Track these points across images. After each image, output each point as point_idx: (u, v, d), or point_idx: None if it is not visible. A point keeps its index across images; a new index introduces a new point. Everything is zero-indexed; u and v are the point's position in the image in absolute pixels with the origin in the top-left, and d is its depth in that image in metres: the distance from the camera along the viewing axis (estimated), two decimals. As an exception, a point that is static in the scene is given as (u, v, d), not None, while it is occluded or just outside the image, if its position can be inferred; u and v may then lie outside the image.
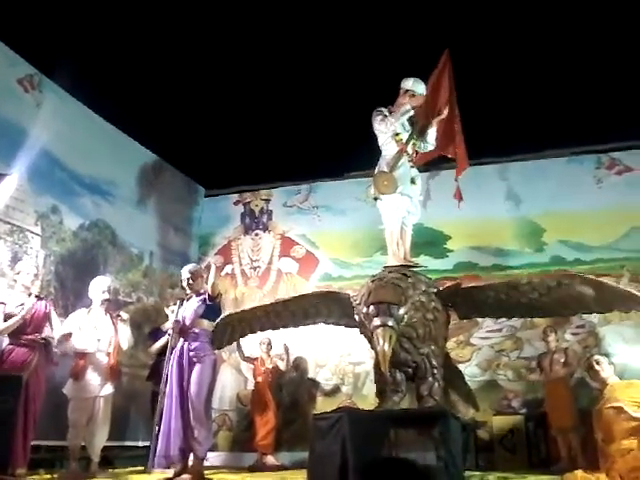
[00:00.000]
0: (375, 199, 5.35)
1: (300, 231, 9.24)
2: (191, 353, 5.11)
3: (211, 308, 5.31)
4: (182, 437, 4.89)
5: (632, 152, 8.21)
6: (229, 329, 5.36)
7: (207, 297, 5.28)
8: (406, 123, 5.45)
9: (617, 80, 7.22)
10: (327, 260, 8.92)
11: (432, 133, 5.53)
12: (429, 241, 8.26)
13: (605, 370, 4.29)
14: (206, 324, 5.30)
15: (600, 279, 4.46)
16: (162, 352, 6.29)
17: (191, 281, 5.43)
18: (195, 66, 7.93)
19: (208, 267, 5.50)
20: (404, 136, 5.35)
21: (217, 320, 5.20)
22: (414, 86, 5.42)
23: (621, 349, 7.19)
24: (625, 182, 8.10)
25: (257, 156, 8.77)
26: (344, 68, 7.65)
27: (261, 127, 8.51)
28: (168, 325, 5.85)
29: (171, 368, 5.11)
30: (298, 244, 9.16)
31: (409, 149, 5.35)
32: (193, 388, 5.02)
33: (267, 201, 9.62)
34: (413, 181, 5.26)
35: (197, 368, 5.07)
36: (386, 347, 4.14)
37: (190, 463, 5.02)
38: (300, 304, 5.34)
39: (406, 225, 5.39)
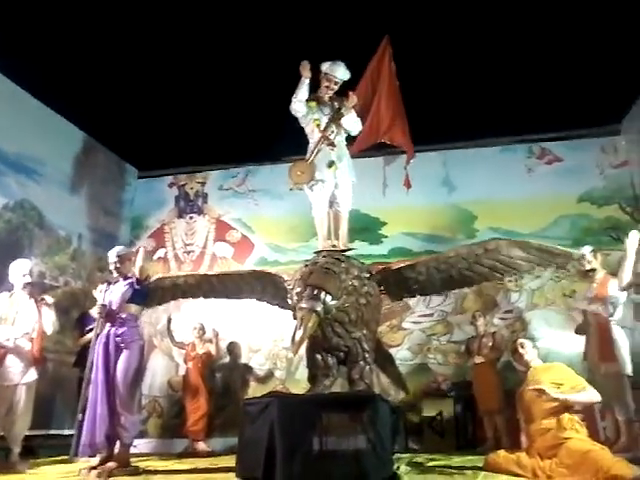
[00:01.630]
0: (291, 189, 5.34)
1: (236, 215, 9.13)
2: (118, 339, 4.94)
3: (139, 292, 5.13)
4: (108, 424, 4.74)
5: (561, 142, 8.48)
6: (159, 292, 5.46)
7: (135, 281, 5.10)
8: (327, 107, 5.41)
9: (550, 73, 7.38)
10: (263, 245, 8.87)
11: (351, 126, 5.48)
12: (365, 227, 8.33)
13: (529, 353, 4.40)
14: (134, 309, 5.15)
15: (524, 240, 4.64)
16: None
17: (118, 264, 5.21)
18: (128, 41, 7.61)
19: (137, 250, 5.31)
20: (323, 121, 5.33)
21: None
22: (331, 69, 5.37)
23: (546, 333, 7.46)
24: (554, 172, 8.37)
25: (193, 138, 8.54)
26: (285, 51, 7.52)
27: (198, 108, 8.27)
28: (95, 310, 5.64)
29: (97, 354, 4.93)
30: (233, 228, 9.06)
31: (330, 133, 5.31)
32: (120, 374, 4.87)
33: (202, 184, 9.45)
34: (330, 165, 5.22)
35: (124, 354, 4.92)
36: (302, 332, 4.13)
37: (116, 450, 4.88)
38: (234, 279, 5.37)
39: (340, 210, 5.39)
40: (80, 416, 4.75)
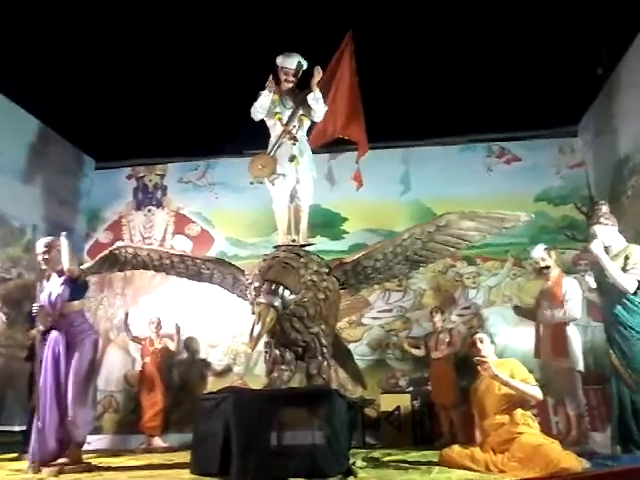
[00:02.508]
0: (251, 183, 5.30)
1: (195, 208, 9.01)
2: (68, 339, 4.75)
3: (77, 287, 4.92)
4: (58, 430, 4.59)
5: (520, 143, 8.63)
6: (121, 259, 5.41)
7: (68, 279, 4.85)
8: (288, 101, 5.39)
9: (510, 75, 7.48)
10: (223, 239, 8.78)
11: (316, 105, 5.40)
12: (326, 222, 8.34)
13: (486, 348, 4.45)
14: (77, 305, 4.93)
15: (472, 210, 4.70)
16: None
17: (47, 255, 4.92)
18: (87, 29, 7.45)
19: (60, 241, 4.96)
20: (285, 115, 5.31)
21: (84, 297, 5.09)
22: (284, 61, 5.35)
23: (502, 330, 7.57)
24: (513, 171, 8.51)
25: (153, 129, 8.39)
26: (247, 45, 7.47)
27: (158, 99, 8.14)
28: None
29: (45, 359, 4.74)
30: (193, 222, 8.95)
31: (292, 128, 5.30)
32: (73, 371, 4.70)
33: (162, 176, 9.30)
34: (292, 160, 5.21)
35: (77, 351, 4.76)
36: (259, 327, 4.12)
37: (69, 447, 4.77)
38: (196, 262, 5.34)
39: (301, 204, 5.38)
40: (30, 417, 4.60)
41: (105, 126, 8.36)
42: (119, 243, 5.69)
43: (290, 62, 5.34)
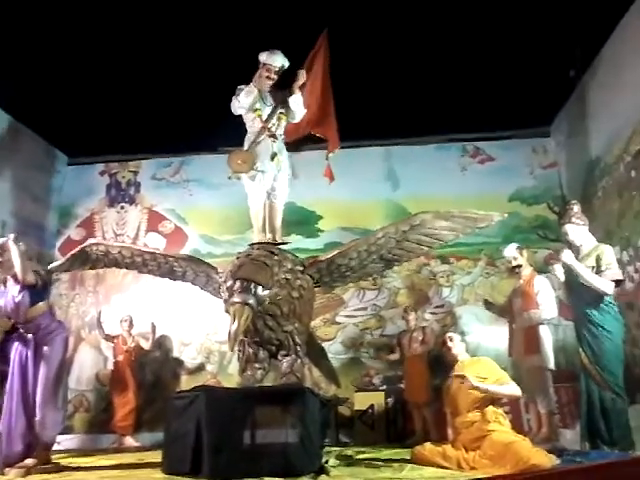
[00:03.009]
0: (229, 178, 5.28)
1: (169, 205, 8.93)
2: (37, 341, 4.66)
3: (36, 292, 4.72)
4: (25, 434, 4.51)
5: (494, 143, 8.72)
6: (93, 257, 5.35)
7: (22, 285, 4.62)
8: (268, 98, 5.38)
9: (485, 76, 7.53)
10: (196, 236, 8.71)
11: (297, 107, 5.45)
12: (301, 220, 8.32)
13: (457, 347, 4.48)
14: (40, 308, 4.76)
15: (446, 210, 4.76)
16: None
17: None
18: (59, 22, 7.31)
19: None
20: (265, 112, 5.29)
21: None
22: (269, 58, 5.33)
23: (475, 328, 7.64)
24: (487, 171, 8.59)
25: (126, 125, 8.27)
26: (222, 41, 7.41)
27: (132, 94, 8.03)
28: None
29: (13, 363, 4.64)
30: (166, 219, 8.86)
31: (271, 124, 5.29)
32: (42, 370, 4.62)
33: (135, 173, 9.19)
34: (273, 157, 5.20)
35: (46, 351, 4.66)
36: (236, 326, 4.10)
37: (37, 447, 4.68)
38: (169, 260, 5.29)
39: (276, 202, 5.37)
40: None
41: (78, 121, 8.21)
42: (91, 240, 5.63)
43: (275, 60, 5.33)
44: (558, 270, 5.01)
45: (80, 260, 5.40)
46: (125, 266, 5.46)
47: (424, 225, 4.71)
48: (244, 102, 5.24)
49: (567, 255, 4.69)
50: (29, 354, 4.65)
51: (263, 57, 5.34)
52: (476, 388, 4.08)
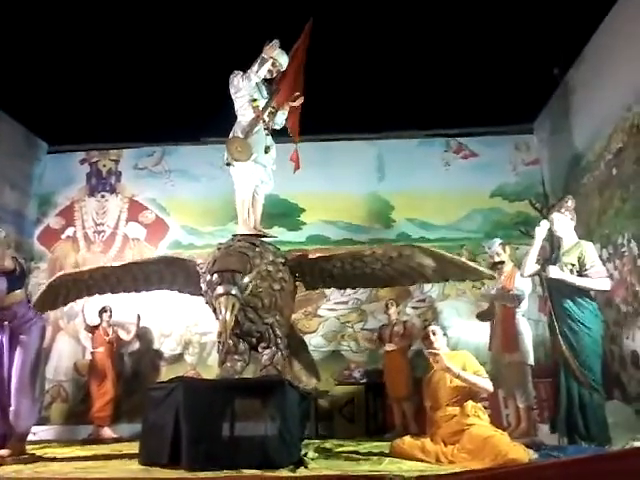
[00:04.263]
0: (228, 165, 5.23)
1: (150, 195, 8.85)
2: (12, 330, 4.60)
3: (13, 279, 4.66)
4: (1, 411, 4.47)
5: (477, 138, 8.75)
6: (63, 291, 5.13)
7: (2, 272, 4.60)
8: (264, 90, 5.37)
9: (469, 72, 7.56)
10: (178, 227, 8.64)
11: (285, 115, 5.55)
12: (283, 212, 8.29)
13: (438, 340, 4.47)
14: (18, 295, 4.70)
15: (439, 251, 4.71)
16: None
17: None
18: (41, 8, 7.19)
19: None
20: (261, 103, 5.26)
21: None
22: (279, 57, 5.31)
23: (456, 323, 7.68)
24: (470, 166, 8.63)
25: (108, 113, 8.16)
26: (208, 30, 7.34)
27: (115, 82, 7.93)
28: None
29: None
30: (147, 209, 8.78)
31: (265, 116, 5.27)
32: (18, 359, 4.55)
33: (116, 162, 9.10)
34: (267, 150, 5.19)
35: (22, 339, 4.59)
36: (228, 316, 4.08)
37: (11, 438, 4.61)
38: (142, 269, 5.16)
39: (258, 194, 5.34)
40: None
41: (59, 109, 8.09)
42: (56, 275, 5.27)
43: (284, 59, 5.34)
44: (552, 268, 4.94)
45: (52, 297, 5.14)
46: (98, 291, 5.25)
47: (412, 258, 4.63)
48: (261, 73, 5.18)
49: (554, 271, 4.69)
50: (4, 343, 4.58)
51: (274, 53, 5.25)
52: (448, 369, 4.11)
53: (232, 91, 5.29)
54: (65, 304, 5.43)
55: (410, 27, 7.32)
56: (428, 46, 7.39)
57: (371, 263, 4.74)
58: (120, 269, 5.15)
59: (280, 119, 5.53)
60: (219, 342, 4.80)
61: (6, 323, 4.62)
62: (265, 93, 5.38)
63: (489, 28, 7.16)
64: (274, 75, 5.41)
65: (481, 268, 4.87)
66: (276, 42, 5.23)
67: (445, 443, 4.04)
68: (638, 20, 5.75)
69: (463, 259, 4.87)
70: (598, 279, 4.62)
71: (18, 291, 4.72)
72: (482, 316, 6.38)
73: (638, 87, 5.81)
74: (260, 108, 5.24)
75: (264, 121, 5.25)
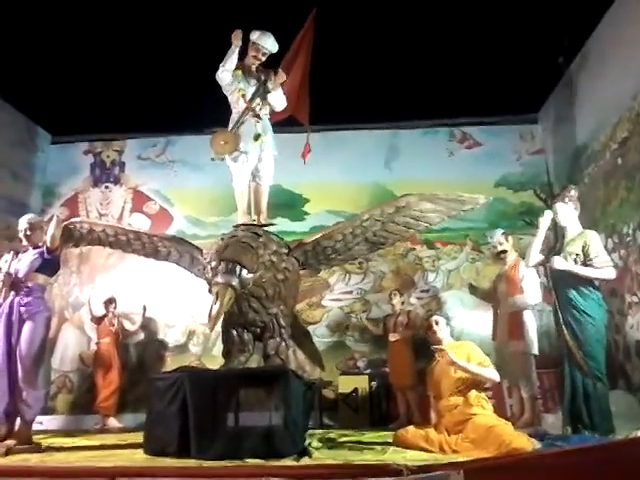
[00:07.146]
0: (212, 160, 5.25)
1: (154, 186, 8.84)
2: (22, 309, 4.67)
3: (48, 262, 4.89)
4: (8, 400, 4.50)
5: (482, 128, 8.71)
6: (77, 234, 5.34)
7: (45, 250, 4.85)
8: (252, 79, 5.33)
9: (474, 62, 7.50)
10: (181, 217, 8.65)
11: (277, 102, 5.47)
12: (287, 203, 8.28)
13: (442, 331, 4.48)
14: (41, 279, 4.88)
15: (431, 193, 4.78)
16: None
17: (29, 232, 4.95)
18: (42, -1, 7.18)
19: (50, 219, 5.01)
20: (249, 92, 5.24)
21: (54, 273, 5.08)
22: (260, 39, 5.29)
23: (460, 313, 7.66)
24: (474, 156, 8.59)
25: (111, 104, 8.15)
26: (209, 19, 7.30)
27: (117, 72, 7.91)
28: None
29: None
30: (151, 199, 8.78)
31: (255, 105, 5.24)
32: (23, 346, 4.60)
33: (120, 152, 9.08)
34: (257, 137, 5.15)
35: (28, 325, 4.65)
36: (217, 307, 4.08)
37: (17, 427, 4.65)
38: (153, 241, 5.29)
39: (260, 184, 5.33)
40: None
41: (62, 100, 8.08)
42: (75, 219, 5.57)
43: (265, 42, 5.30)
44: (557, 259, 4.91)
45: (63, 237, 5.29)
46: (109, 244, 5.43)
47: (409, 207, 4.71)
48: (228, 66, 5.17)
49: (559, 262, 4.68)
50: (15, 320, 4.67)
51: (254, 36, 5.28)
52: (454, 363, 4.11)
53: (222, 87, 5.31)
54: (75, 246, 5.62)
55: (415, 17, 7.28)
56: (433, 36, 7.34)
57: (371, 226, 4.80)
58: (133, 233, 5.32)
59: (277, 102, 5.47)
60: (223, 333, 4.83)
61: (18, 298, 4.71)
62: (254, 81, 5.35)
63: (494, 17, 7.11)
64: (263, 60, 5.38)
65: (475, 195, 4.87)
66: (239, 31, 5.17)
67: (449, 432, 4.06)
68: (644, 8, 5.70)
69: (457, 193, 4.85)
70: (602, 268, 4.61)
71: (43, 277, 4.90)
72: (474, 290, 6.41)
73: (644, 76, 5.78)
74: (247, 98, 5.24)
75: (253, 110, 5.23)
